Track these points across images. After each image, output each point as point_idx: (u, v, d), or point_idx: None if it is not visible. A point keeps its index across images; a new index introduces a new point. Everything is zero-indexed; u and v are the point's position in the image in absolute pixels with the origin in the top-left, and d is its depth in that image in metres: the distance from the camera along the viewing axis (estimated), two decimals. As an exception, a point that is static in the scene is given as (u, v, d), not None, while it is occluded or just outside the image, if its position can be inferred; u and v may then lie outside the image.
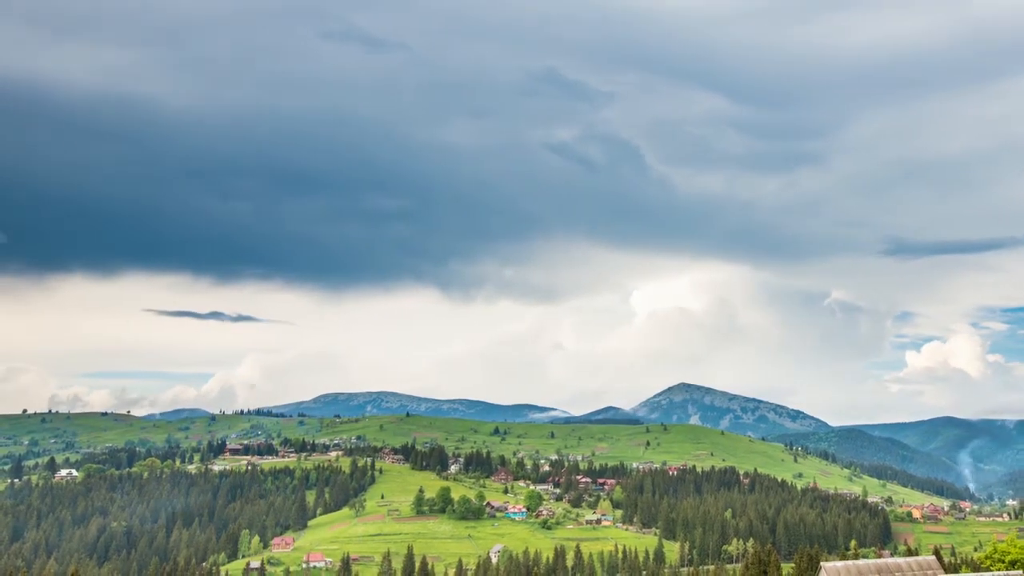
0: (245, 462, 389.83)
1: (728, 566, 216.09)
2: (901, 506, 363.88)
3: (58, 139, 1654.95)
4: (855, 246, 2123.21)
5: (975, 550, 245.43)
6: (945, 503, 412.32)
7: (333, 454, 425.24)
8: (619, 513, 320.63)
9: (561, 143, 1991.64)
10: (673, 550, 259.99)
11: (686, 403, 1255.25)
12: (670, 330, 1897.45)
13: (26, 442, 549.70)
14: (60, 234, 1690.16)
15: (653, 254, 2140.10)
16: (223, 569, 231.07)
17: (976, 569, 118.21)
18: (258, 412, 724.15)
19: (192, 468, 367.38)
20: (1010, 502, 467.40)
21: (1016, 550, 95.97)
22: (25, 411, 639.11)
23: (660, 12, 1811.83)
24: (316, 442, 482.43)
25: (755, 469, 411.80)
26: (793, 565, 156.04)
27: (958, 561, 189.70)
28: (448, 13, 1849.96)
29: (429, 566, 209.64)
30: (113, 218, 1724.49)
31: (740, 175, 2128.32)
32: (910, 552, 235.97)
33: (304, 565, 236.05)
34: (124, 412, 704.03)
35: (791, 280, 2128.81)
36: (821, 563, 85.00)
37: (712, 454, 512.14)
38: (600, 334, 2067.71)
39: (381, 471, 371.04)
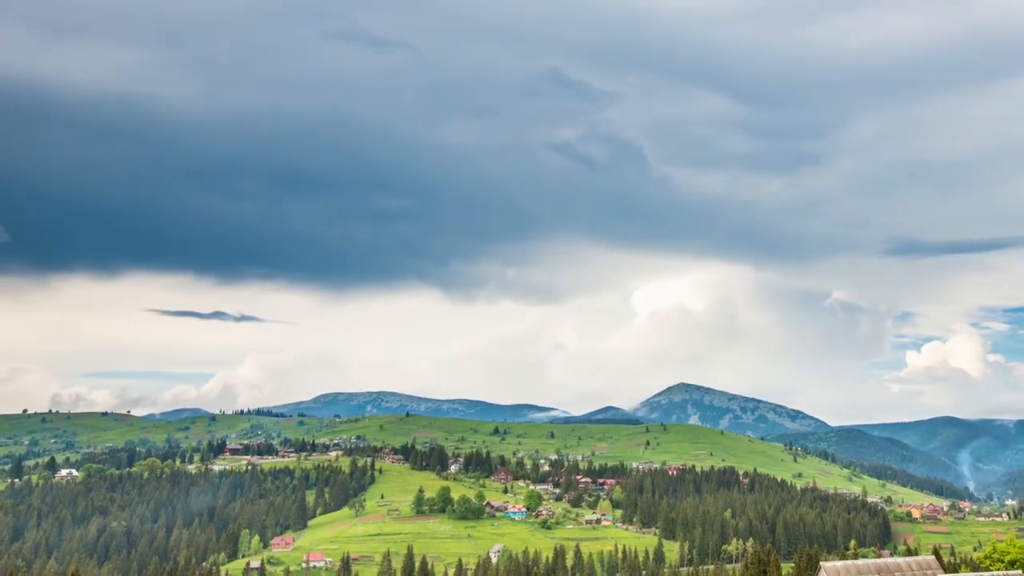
0: (245, 462, 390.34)
1: (728, 566, 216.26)
2: (901, 506, 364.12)
3: (60, 139, 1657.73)
4: (856, 246, 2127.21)
5: (974, 550, 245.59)
6: (945, 503, 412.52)
7: (333, 454, 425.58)
8: (619, 513, 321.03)
9: (563, 143, 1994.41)
10: (673, 550, 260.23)
11: (686, 403, 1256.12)
12: (670, 330, 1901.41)
13: (26, 442, 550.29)
14: (62, 234, 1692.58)
15: (654, 254, 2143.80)
16: (223, 569, 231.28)
17: (975, 569, 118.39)
18: (258, 412, 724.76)
19: (192, 468, 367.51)
20: (1009, 502, 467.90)
21: (1015, 550, 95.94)
22: (25, 411, 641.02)
23: (663, 12, 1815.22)
24: (316, 442, 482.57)
25: (755, 469, 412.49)
26: (793, 565, 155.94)
27: (957, 561, 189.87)
28: (450, 13, 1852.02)
29: (429, 566, 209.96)
30: (115, 218, 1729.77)
31: (742, 175, 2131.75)
32: (909, 552, 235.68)
33: (304, 565, 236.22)
34: (124, 412, 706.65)
35: (792, 280, 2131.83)
36: (820, 563, 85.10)
37: (712, 454, 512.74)
38: (601, 334, 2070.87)
39: (381, 471, 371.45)
